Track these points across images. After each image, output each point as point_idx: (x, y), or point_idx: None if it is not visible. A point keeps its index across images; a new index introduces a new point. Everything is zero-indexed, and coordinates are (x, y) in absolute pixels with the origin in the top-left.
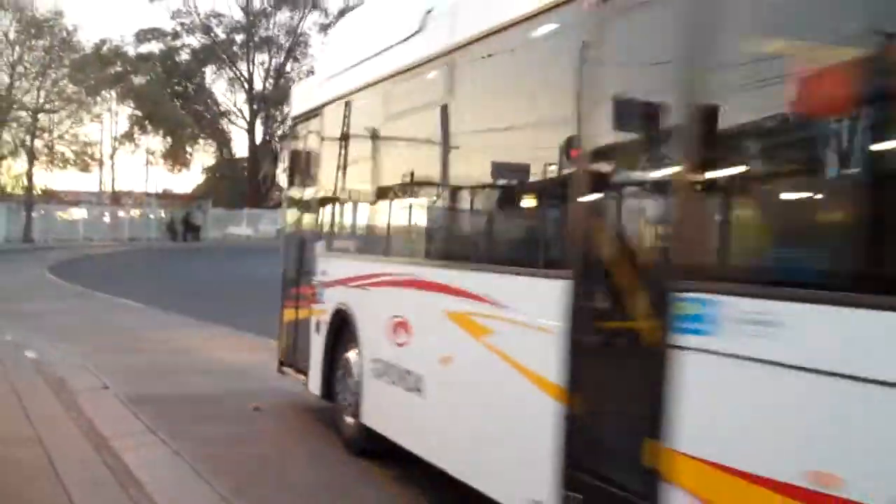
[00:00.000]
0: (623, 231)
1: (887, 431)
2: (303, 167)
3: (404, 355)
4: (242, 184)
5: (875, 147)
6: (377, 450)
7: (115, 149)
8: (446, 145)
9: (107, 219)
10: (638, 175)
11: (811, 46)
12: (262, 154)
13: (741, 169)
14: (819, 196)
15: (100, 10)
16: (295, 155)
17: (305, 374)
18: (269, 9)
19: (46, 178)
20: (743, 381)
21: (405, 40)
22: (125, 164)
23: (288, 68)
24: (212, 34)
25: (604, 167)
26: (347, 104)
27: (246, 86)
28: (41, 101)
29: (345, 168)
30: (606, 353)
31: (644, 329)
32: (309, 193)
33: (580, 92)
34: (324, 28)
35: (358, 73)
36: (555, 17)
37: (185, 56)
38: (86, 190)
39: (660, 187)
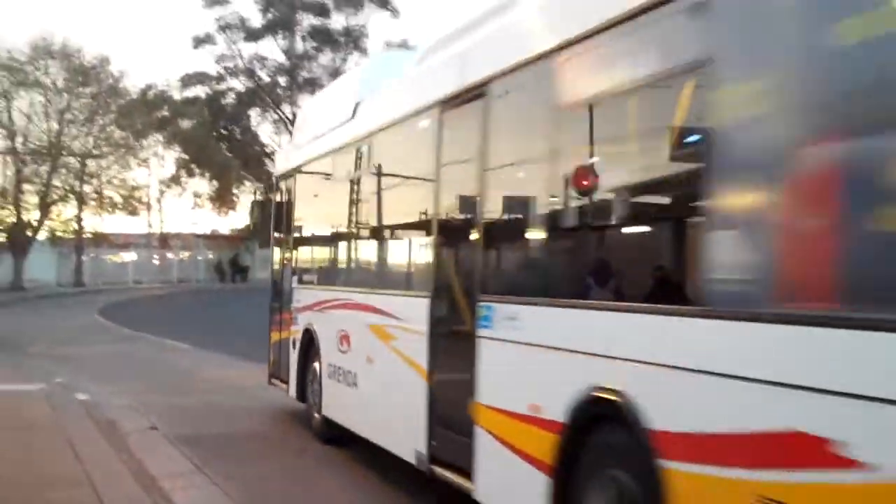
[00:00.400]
0: (454, 266)
1: (559, 377)
2: (283, 215)
3: (346, 359)
4: None
5: (549, 215)
6: (337, 436)
7: (162, 192)
8: (367, 204)
9: (155, 261)
10: (462, 232)
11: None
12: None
13: (504, 230)
14: (528, 245)
15: (145, 56)
16: (278, 205)
17: (287, 383)
18: (311, 51)
19: (96, 222)
20: (504, 354)
21: (343, 124)
22: (172, 207)
23: None
24: (255, 77)
25: (445, 225)
26: (308, 169)
27: (290, 127)
28: (90, 146)
29: (308, 217)
30: (448, 344)
31: (466, 327)
32: (287, 237)
33: (434, 169)
34: None
35: (315, 145)
36: (416, 120)
37: (230, 99)
38: (134, 233)
39: (470, 240)
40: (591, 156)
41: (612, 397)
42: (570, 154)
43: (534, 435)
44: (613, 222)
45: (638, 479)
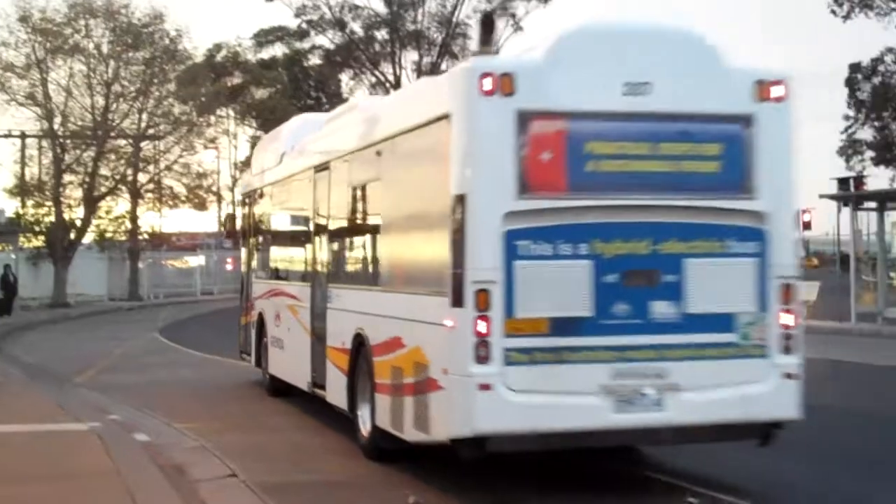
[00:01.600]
0: (320, 267)
1: (349, 326)
2: (246, 225)
3: (278, 331)
4: None
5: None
6: (281, 389)
7: (235, 179)
8: (285, 224)
9: (229, 266)
10: (322, 246)
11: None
12: None
13: (335, 245)
14: (341, 255)
15: (208, 11)
16: (243, 216)
17: (250, 355)
18: None
19: (154, 220)
20: (335, 316)
21: (274, 167)
22: None
23: (444, 67)
24: (347, 31)
25: (316, 241)
26: (261, 192)
27: (393, 91)
28: (143, 125)
29: (259, 229)
30: (318, 313)
31: (324, 303)
32: (247, 243)
33: (312, 207)
34: (487, 15)
35: (260, 177)
36: (305, 175)
37: (315, 60)
38: (202, 231)
39: (325, 251)
40: (363, 212)
41: (362, 332)
42: (359, 209)
43: (342, 357)
44: (362, 245)
45: (370, 366)
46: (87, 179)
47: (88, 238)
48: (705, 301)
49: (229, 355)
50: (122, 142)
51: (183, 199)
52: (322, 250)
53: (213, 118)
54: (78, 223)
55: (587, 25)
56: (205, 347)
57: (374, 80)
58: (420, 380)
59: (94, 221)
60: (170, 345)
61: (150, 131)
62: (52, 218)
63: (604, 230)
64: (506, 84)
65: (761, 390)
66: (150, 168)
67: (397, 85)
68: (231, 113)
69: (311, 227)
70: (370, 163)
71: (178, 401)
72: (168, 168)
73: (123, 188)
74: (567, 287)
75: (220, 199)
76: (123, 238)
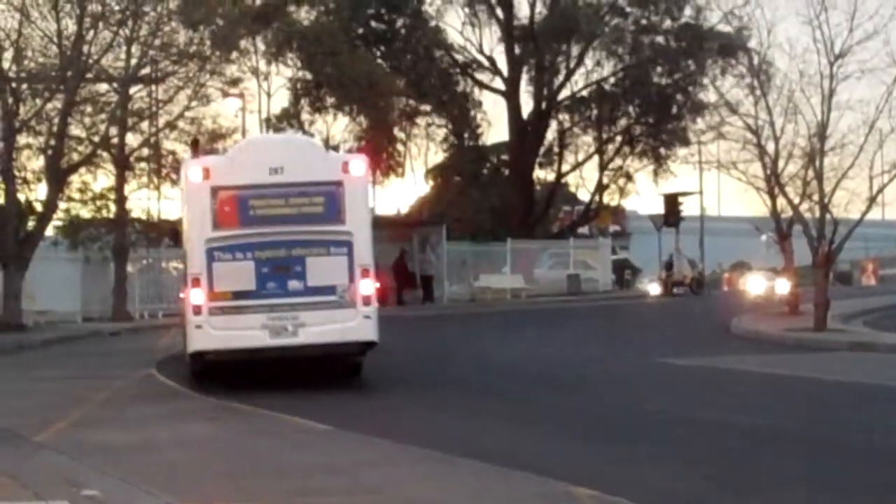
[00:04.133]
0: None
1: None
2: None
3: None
4: (494, 195)
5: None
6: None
7: None
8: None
9: None
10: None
11: None
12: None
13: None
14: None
15: None
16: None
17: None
18: None
19: (149, 203)
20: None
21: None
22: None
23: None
24: None
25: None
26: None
27: (501, 15)
28: (133, 62)
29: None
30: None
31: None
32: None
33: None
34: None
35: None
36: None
37: None
38: None
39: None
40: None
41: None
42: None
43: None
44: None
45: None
46: (51, 142)
47: (54, 229)
48: (319, 279)
49: (259, 402)
50: (104, 87)
51: None
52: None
53: (235, 52)
54: (38, 207)
55: (250, 139)
56: (223, 391)
57: None
58: (181, 325)
59: (63, 204)
60: (172, 386)
61: (144, 71)
62: (0, 199)
63: (260, 245)
64: (206, 173)
65: (352, 325)
66: (144, 125)
67: (509, 6)
68: (261, 45)
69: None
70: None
71: (184, 470)
72: (170, 126)
73: (104, 155)
74: (241, 275)
75: None
76: (105, 229)
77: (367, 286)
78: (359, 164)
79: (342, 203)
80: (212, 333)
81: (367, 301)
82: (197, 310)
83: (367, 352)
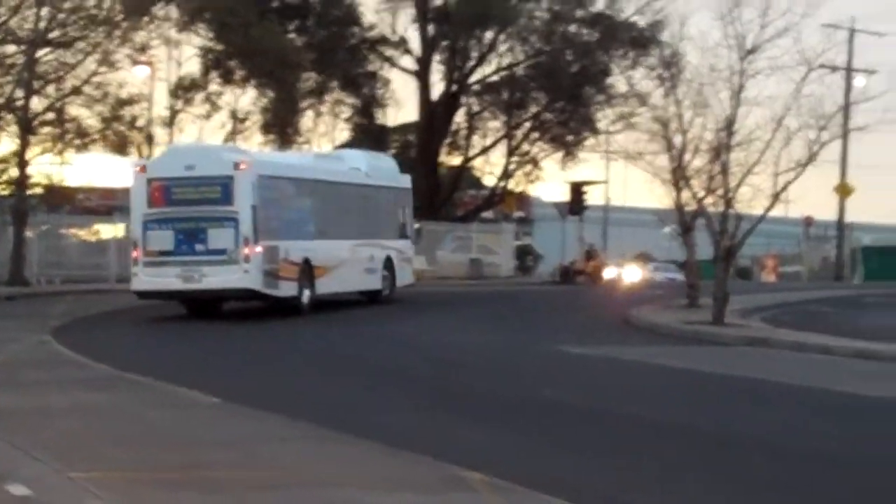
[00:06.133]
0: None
1: None
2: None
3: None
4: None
5: None
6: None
7: (174, 111)
8: None
9: None
10: None
11: None
12: (445, 113)
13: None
14: None
15: None
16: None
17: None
18: None
19: (51, 168)
20: None
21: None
22: (195, 139)
23: None
24: None
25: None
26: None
27: None
28: (42, 25)
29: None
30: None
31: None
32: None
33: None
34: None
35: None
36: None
37: None
38: (123, 187)
39: None
40: None
41: None
42: None
43: None
44: None
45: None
46: None
47: None
48: (215, 243)
49: (161, 375)
50: (11, 48)
51: (95, 136)
52: None
53: (146, 18)
54: None
55: (173, 146)
56: (120, 360)
57: None
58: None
59: None
60: (68, 354)
61: (53, 34)
62: None
63: (177, 219)
64: (143, 169)
65: (237, 277)
66: (50, 89)
67: None
68: (171, 14)
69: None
70: None
71: (76, 438)
72: (76, 91)
73: (8, 117)
74: (164, 239)
75: (150, 140)
76: (5, 192)
77: (247, 250)
78: (245, 163)
79: (232, 191)
80: (144, 279)
81: (247, 259)
82: (135, 262)
83: (252, 298)
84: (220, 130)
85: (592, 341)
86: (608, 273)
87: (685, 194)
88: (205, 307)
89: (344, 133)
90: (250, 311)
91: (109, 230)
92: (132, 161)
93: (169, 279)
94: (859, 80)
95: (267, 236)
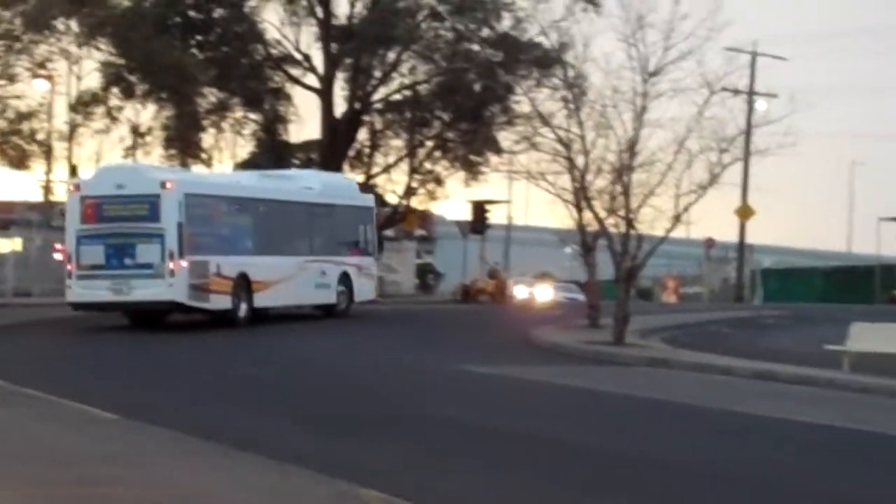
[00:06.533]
0: None
1: None
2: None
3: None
4: None
5: None
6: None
7: (73, 125)
8: None
9: (60, 256)
10: None
11: None
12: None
13: None
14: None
15: None
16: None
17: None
18: None
19: None
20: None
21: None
22: (94, 154)
23: None
24: None
25: None
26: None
27: (320, 13)
28: None
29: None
30: None
31: None
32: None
33: None
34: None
35: None
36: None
37: None
38: (20, 200)
39: None
40: None
41: None
42: None
43: None
44: None
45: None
46: None
47: None
48: (143, 258)
49: (52, 389)
50: None
51: None
52: None
53: (46, 32)
54: None
55: (105, 166)
56: (17, 376)
57: None
58: None
59: None
60: None
61: None
62: None
63: (108, 235)
64: (76, 188)
65: (165, 289)
66: None
67: (326, 3)
68: (73, 27)
69: None
70: None
71: None
72: None
73: None
74: (95, 254)
75: (49, 152)
76: None
77: (172, 264)
78: (171, 183)
79: (159, 208)
80: (77, 291)
81: (171, 273)
82: (69, 275)
83: (179, 310)
84: (119, 145)
85: (495, 361)
86: (520, 292)
87: (587, 215)
88: (145, 318)
89: (247, 149)
90: (191, 323)
91: (6, 244)
92: (68, 180)
93: (100, 292)
94: (761, 104)
95: (195, 251)
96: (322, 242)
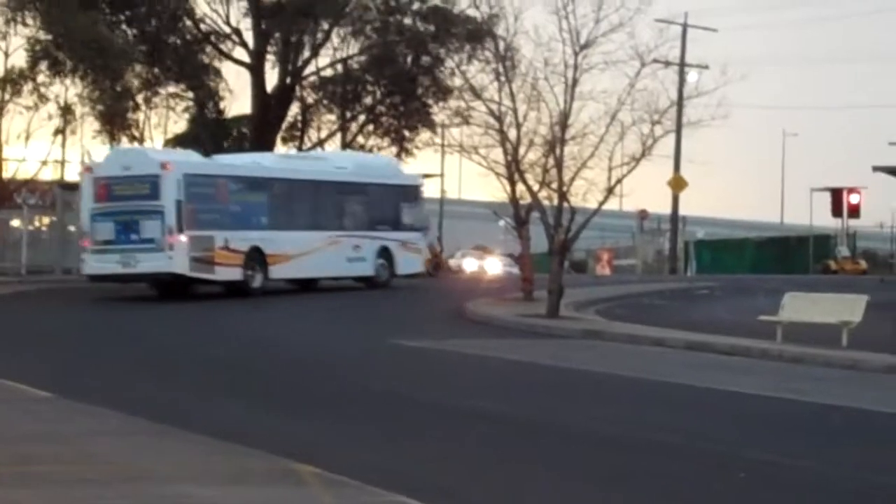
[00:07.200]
0: None
1: None
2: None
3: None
4: None
5: None
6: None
7: (1, 102)
8: None
9: None
10: None
11: None
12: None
13: None
14: None
15: None
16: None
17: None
18: None
19: None
20: None
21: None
22: (21, 132)
23: None
24: None
25: None
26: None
27: None
28: None
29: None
30: None
31: None
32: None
33: None
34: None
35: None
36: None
37: None
38: None
39: None
40: None
41: None
42: None
43: None
44: None
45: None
46: None
47: None
48: (147, 233)
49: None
50: None
51: None
52: None
53: None
54: None
55: (114, 150)
56: None
57: None
58: None
59: None
60: None
61: None
62: None
63: (117, 212)
64: (88, 169)
65: (166, 261)
66: None
67: None
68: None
69: None
70: None
71: None
72: None
73: None
74: (106, 230)
75: None
76: None
77: (171, 239)
78: (170, 164)
79: (159, 187)
80: (92, 264)
81: (171, 247)
82: (83, 248)
83: (183, 280)
84: (48, 122)
85: (428, 335)
86: (469, 265)
87: (520, 188)
88: (169, 290)
89: (179, 125)
90: (210, 293)
91: None
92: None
93: (111, 265)
94: (692, 76)
95: (196, 226)
96: (355, 219)
